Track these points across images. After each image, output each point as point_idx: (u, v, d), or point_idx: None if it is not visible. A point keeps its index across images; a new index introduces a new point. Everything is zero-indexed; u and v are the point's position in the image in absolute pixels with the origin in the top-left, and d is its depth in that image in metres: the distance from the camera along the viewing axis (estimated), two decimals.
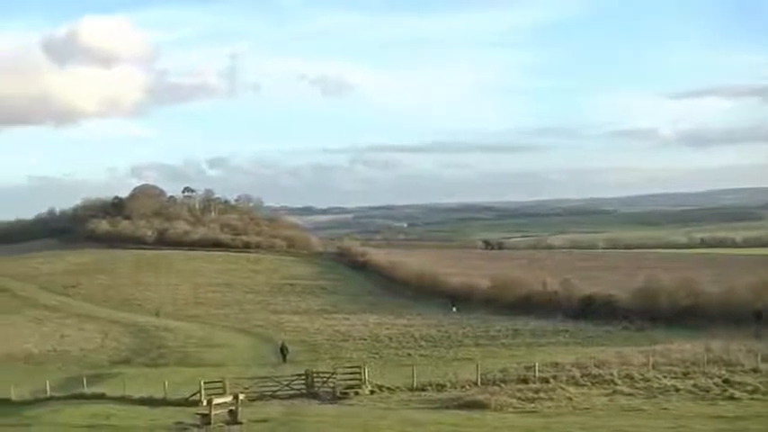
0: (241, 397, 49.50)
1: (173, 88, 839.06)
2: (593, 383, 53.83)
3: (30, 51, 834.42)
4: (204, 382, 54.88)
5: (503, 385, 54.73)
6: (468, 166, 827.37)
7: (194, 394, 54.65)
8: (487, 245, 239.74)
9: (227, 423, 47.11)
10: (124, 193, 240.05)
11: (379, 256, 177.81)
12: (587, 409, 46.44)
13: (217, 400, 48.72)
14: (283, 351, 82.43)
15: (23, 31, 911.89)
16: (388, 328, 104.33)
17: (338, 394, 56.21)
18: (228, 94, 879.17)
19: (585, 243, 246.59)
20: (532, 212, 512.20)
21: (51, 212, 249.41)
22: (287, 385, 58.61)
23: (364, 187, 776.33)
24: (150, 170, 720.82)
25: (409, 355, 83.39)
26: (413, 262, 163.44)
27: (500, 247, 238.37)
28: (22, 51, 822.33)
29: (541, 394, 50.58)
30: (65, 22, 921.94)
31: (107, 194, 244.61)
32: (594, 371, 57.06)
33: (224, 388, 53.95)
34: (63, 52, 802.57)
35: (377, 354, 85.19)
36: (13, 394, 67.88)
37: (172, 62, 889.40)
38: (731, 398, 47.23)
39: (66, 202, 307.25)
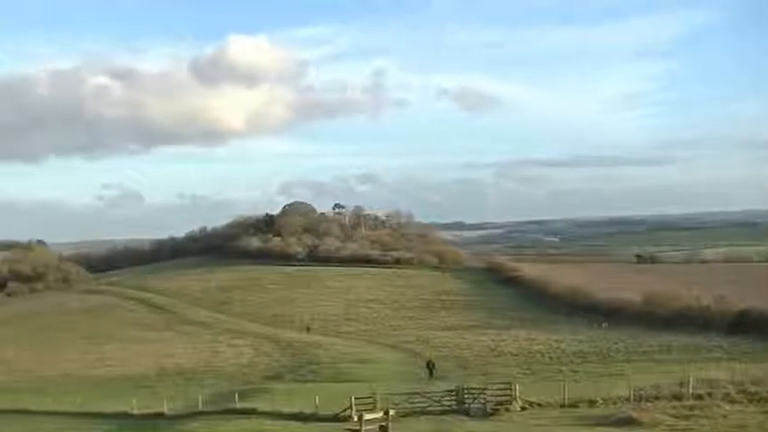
0: (391, 413, 48.62)
1: (318, 105, 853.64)
2: (749, 401, 51.38)
3: (177, 72, 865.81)
4: (355, 398, 54.35)
5: (656, 402, 52.87)
6: (615, 179, 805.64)
7: (345, 410, 54.04)
8: (640, 259, 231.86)
9: None
10: (274, 210, 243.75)
11: (530, 270, 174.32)
12: (743, 427, 44.03)
13: (367, 416, 47.81)
14: (430, 367, 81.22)
15: (171, 53, 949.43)
16: (538, 344, 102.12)
17: (489, 411, 54.85)
18: (373, 109, 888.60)
19: (739, 256, 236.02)
20: (685, 226, 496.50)
21: (203, 230, 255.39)
22: (437, 401, 57.31)
23: (512, 202, 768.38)
24: (299, 187, 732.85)
25: (560, 370, 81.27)
26: (564, 277, 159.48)
27: (653, 260, 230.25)
28: (170, 72, 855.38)
29: (696, 411, 48.62)
30: (211, 42, 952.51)
31: (257, 212, 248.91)
32: (751, 388, 54.41)
33: (374, 404, 53.32)
34: (210, 72, 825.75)
35: (528, 369, 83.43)
36: (167, 408, 68.48)
37: (316, 79, 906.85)
38: None
39: (216, 220, 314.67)
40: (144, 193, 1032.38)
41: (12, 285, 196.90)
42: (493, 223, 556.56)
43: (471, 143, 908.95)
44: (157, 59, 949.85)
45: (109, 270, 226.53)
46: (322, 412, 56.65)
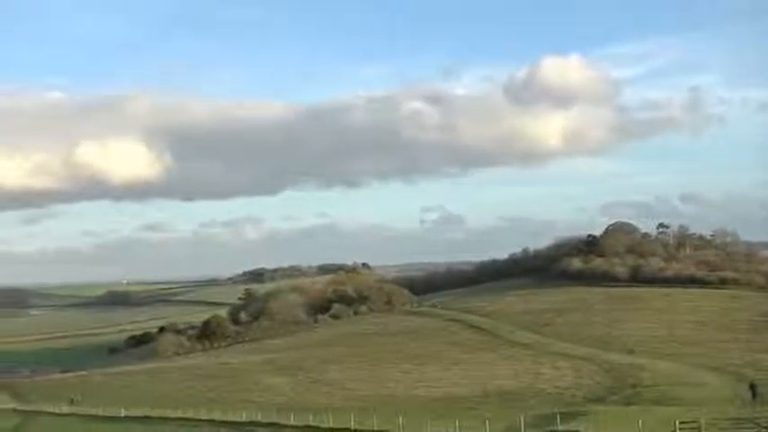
0: None
1: (635, 124, 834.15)
2: None
3: (491, 95, 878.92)
4: (679, 422, 50.89)
5: None
6: None
7: None
8: None
9: None
10: (594, 231, 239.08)
11: None
12: None
13: None
14: (753, 389, 75.56)
15: (484, 76, 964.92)
16: None
17: None
18: (692, 127, 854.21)
19: None
20: None
21: (525, 251, 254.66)
22: (766, 428, 51.85)
23: None
24: (620, 207, 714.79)
25: None
26: None
27: None
28: (484, 95, 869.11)
29: None
30: (524, 64, 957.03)
31: (577, 232, 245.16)
32: None
33: (700, 429, 49.89)
34: (523, 94, 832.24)
35: None
36: (488, 430, 67.17)
37: (632, 97, 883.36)
38: None
39: (537, 241, 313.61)
40: (464, 215, 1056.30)
41: (336, 307, 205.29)
42: None
43: None
44: (471, 83, 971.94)
45: (431, 292, 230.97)
46: None
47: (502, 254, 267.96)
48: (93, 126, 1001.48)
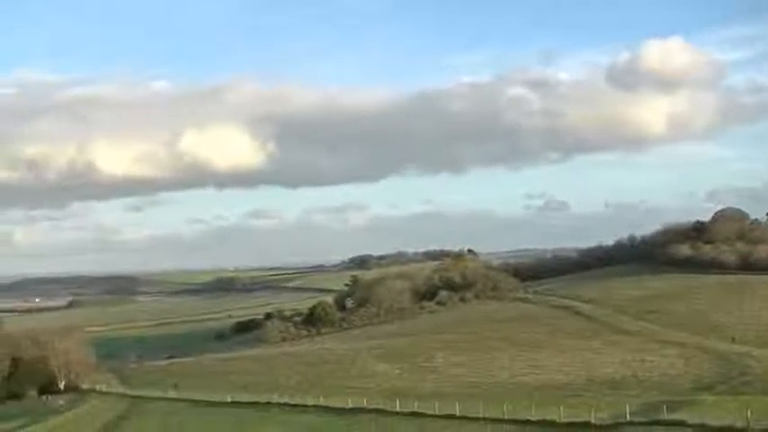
0: None
1: (742, 108, 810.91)
2: None
3: (593, 79, 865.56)
4: None
5: None
6: None
7: None
8: None
9: None
10: (702, 217, 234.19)
11: None
12: None
13: None
14: None
15: (586, 60, 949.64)
16: None
17: None
18: None
19: None
20: None
21: (631, 238, 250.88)
22: None
23: None
24: (726, 193, 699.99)
25: None
26: None
27: None
28: (586, 80, 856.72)
29: None
30: (626, 48, 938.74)
31: (684, 219, 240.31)
32: None
33: None
34: (626, 78, 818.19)
35: None
36: (593, 418, 67.56)
37: (737, 81, 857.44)
38: None
39: (643, 228, 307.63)
40: (568, 201, 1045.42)
41: (442, 294, 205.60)
42: None
43: None
44: (572, 68, 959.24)
45: (536, 279, 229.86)
46: (754, 426, 52.79)
47: (607, 240, 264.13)
48: (197, 115, 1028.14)
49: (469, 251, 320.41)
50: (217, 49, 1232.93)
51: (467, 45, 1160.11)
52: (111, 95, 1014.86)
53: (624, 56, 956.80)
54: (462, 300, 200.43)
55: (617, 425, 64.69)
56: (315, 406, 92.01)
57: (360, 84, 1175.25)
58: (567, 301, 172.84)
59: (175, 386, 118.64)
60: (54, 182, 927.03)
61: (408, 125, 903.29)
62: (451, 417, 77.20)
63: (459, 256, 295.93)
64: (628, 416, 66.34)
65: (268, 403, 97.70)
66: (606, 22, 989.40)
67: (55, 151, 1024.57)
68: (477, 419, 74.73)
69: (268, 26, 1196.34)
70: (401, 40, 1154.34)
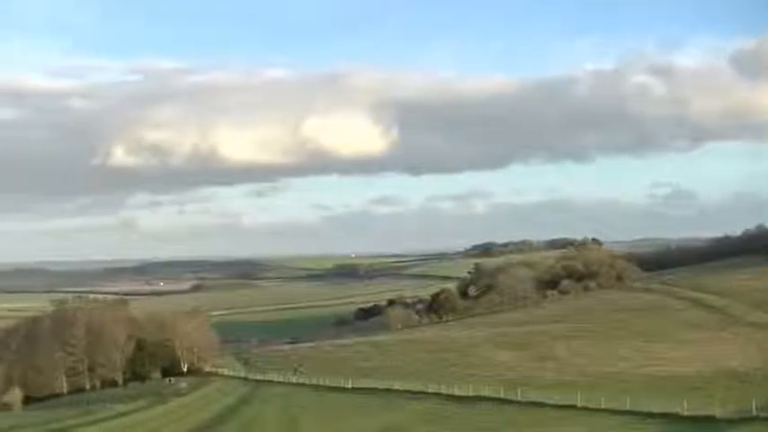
0: None
1: None
2: None
3: (719, 66, 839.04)
4: None
5: None
6: None
7: None
8: None
9: None
10: None
11: None
12: None
13: None
14: None
15: (711, 47, 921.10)
16: None
17: None
18: None
19: None
20: None
21: (760, 228, 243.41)
22: None
23: None
24: None
25: None
26: None
27: None
28: (711, 67, 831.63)
29: None
30: (751, 34, 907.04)
31: None
32: None
33: None
34: (753, 65, 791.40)
35: None
36: (718, 411, 66.96)
37: None
38: None
39: None
40: (695, 190, 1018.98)
41: (565, 283, 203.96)
42: None
43: None
44: (696, 55, 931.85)
45: (661, 269, 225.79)
46: None
47: (735, 230, 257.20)
48: (319, 101, 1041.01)
49: (593, 240, 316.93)
50: (338, 37, 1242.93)
51: (587, 31, 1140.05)
52: (234, 82, 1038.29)
53: (750, 43, 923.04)
54: (585, 289, 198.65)
55: (742, 420, 63.91)
56: (435, 393, 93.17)
57: (481, 70, 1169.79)
58: (691, 292, 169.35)
59: (295, 371, 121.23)
60: (178, 167, 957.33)
61: (531, 112, 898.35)
62: (572, 407, 77.42)
63: (582, 244, 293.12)
64: (754, 410, 65.48)
65: (388, 390, 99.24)
66: (728, 8, 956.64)
67: (179, 137, 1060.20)
68: (598, 411, 74.80)
69: (384, 11, 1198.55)
70: (521, 26, 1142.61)
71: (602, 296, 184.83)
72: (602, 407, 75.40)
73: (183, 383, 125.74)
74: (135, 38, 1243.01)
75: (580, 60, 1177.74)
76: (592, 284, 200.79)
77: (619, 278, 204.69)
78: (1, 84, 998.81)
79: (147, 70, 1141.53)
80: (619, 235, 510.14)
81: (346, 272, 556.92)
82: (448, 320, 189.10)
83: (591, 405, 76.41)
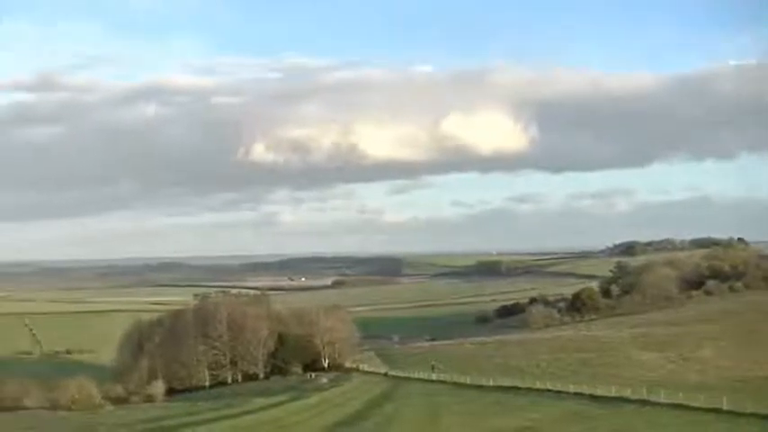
0: None
1: None
2: None
3: None
4: None
5: None
6: None
7: None
8: None
9: None
10: None
11: None
12: None
13: None
14: None
15: None
16: None
17: None
18: None
19: None
20: None
21: None
22: None
23: None
24: None
25: None
26: None
27: None
28: None
29: None
30: None
31: None
32: None
33: None
34: None
35: None
36: None
37: None
38: None
39: None
40: None
41: (710, 284, 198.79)
42: None
43: None
44: None
45: None
46: None
47: None
48: (460, 98, 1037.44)
49: (739, 239, 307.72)
50: (480, 35, 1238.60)
51: (729, 27, 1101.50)
52: (374, 79, 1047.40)
53: None
54: (732, 289, 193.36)
55: None
56: (576, 393, 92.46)
57: (621, 67, 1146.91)
58: None
59: (433, 368, 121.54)
60: (318, 164, 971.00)
61: (674, 109, 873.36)
62: (718, 411, 75.74)
63: (729, 244, 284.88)
64: None
65: (529, 389, 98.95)
66: None
67: (319, 134, 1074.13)
68: (744, 415, 73.05)
69: (529, 10, 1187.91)
70: (662, 24, 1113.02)
71: (749, 298, 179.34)
72: (748, 411, 73.56)
73: (324, 378, 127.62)
74: (278, 36, 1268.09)
75: (723, 56, 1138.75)
76: (738, 285, 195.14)
77: (765, 279, 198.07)
78: (148, 82, 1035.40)
79: (289, 68, 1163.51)
80: (763, 235, 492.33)
81: (488, 269, 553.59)
82: (590, 319, 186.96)
83: (737, 409, 74.65)
